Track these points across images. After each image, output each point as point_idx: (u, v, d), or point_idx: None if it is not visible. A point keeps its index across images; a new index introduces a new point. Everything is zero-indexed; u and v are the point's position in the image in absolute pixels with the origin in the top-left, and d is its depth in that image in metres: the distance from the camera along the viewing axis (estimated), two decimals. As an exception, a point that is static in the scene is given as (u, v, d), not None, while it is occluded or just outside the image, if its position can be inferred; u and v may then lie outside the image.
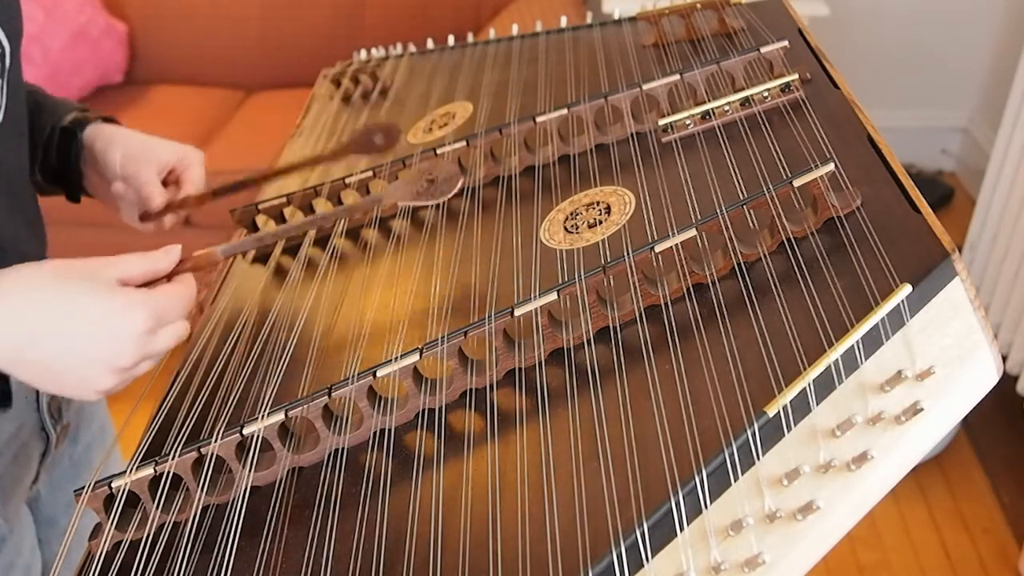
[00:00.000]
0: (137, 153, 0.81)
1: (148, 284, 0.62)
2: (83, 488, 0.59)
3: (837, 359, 0.52)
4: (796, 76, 0.78)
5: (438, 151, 0.84)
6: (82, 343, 0.57)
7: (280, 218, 0.86)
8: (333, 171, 0.94)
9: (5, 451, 0.74)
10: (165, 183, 0.82)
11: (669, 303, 0.61)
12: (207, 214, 2.09)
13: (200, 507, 0.59)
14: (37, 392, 0.76)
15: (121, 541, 0.59)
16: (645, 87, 0.80)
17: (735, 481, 0.50)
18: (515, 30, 1.11)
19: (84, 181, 0.86)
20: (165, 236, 0.80)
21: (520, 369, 0.61)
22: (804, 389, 0.51)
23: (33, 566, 0.78)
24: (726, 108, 0.78)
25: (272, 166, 0.86)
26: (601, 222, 0.72)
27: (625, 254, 0.61)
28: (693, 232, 0.61)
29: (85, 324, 0.57)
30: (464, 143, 0.83)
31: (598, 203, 0.74)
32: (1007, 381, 1.91)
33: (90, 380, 0.59)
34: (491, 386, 0.61)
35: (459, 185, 0.63)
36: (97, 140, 0.83)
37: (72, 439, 0.86)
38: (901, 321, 0.54)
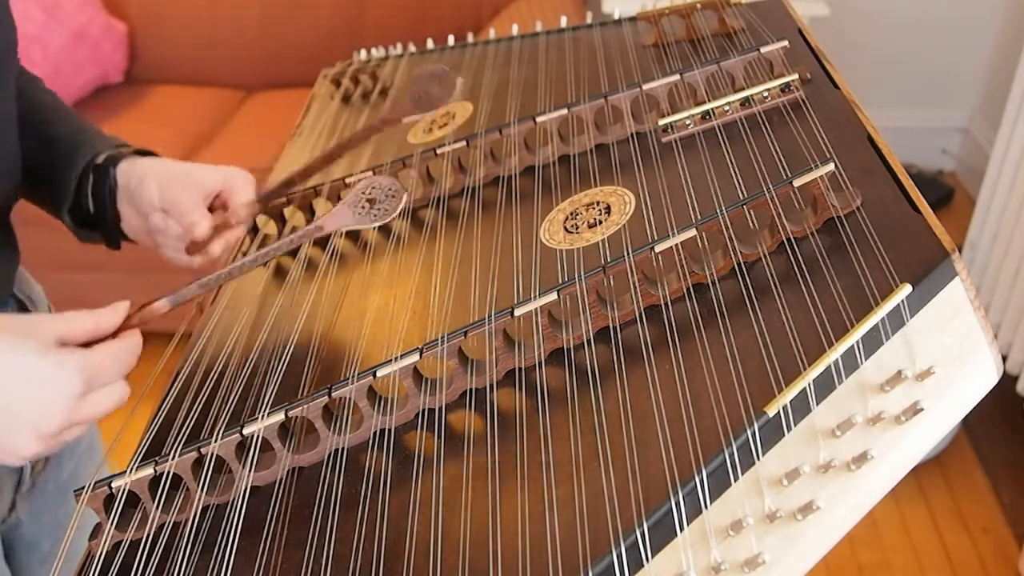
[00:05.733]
0: (176, 180, 0.75)
1: (91, 343, 0.57)
2: (83, 488, 0.59)
3: (837, 359, 0.52)
4: (796, 76, 0.78)
5: (438, 151, 0.84)
6: (5, 405, 0.53)
7: (280, 218, 0.86)
8: (333, 171, 0.94)
9: None
10: (211, 210, 0.76)
11: (669, 303, 0.61)
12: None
13: (200, 507, 0.59)
14: None
15: (121, 541, 0.59)
16: (645, 87, 0.80)
17: (735, 481, 0.50)
18: (515, 30, 1.11)
19: (122, 223, 0.79)
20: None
21: (520, 369, 0.61)
22: (804, 389, 0.51)
23: None
24: (726, 108, 0.78)
25: (318, 154, 0.80)
26: (601, 222, 0.72)
27: (625, 254, 0.61)
28: (693, 232, 0.61)
29: (9, 386, 0.53)
30: (464, 143, 0.83)
31: (598, 203, 0.74)
32: (1007, 381, 1.91)
33: (12, 446, 0.54)
34: (491, 386, 0.61)
35: (403, 202, 0.59)
36: (132, 175, 0.77)
37: (55, 465, 0.84)
38: (901, 321, 0.54)
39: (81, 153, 0.78)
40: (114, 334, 0.58)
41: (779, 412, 0.51)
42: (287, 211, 0.86)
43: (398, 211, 0.59)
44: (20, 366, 0.53)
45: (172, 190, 0.74)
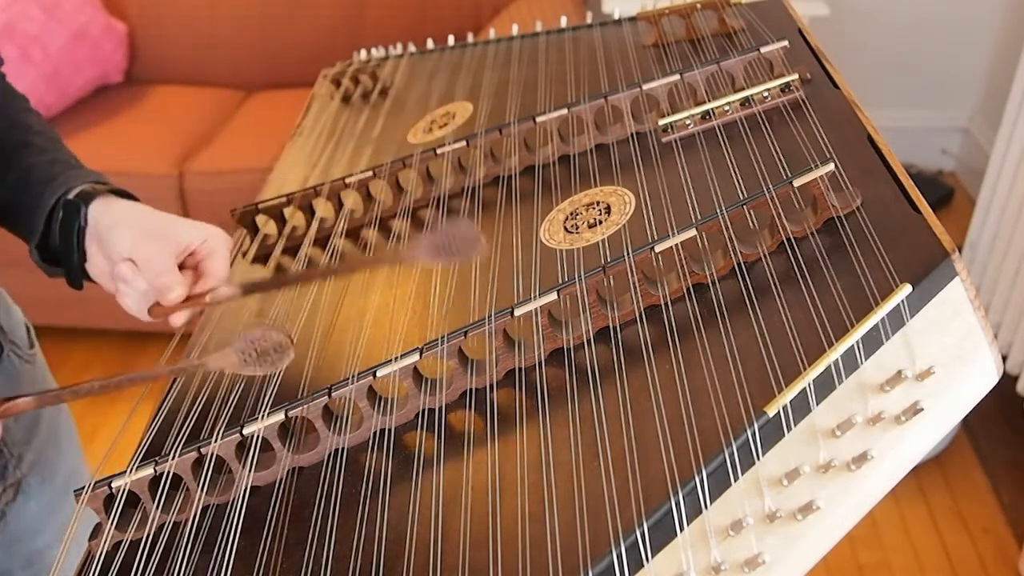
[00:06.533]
0: (152, 233, 0.70)
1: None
2: (83, 488, 0.59)
3: (837, 359, 0.52)
4: (796, 76, 0.78)
5: (438, 151, 0.84)
6: None
7: (280, 218, 0.86)
8: (333, 171, 0.94)
9: None
10: (181, 267, 0.71)
11: (669, 303, 0.61)
12: (207, 214, 2.10)
13: (200, 507, 0.59)
14: None
15: (121, 541, 0.59)
16: (645, 87, 0.80)
17: (735, 481, 0.50)
18: (515, 30, 1.11)
19: (87, 263, 0.74)
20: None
21: (520, 369, 0.61)
22: (804, 389, 0.51)
23: None
24: (726, 108, 0.78)
25: (319, 269, 0.77)
26: (601, 222, 0.72)
27: (625, 254, 0.61)
28: (693, 232, 0.61)
29: None
30: (464, 143, 0.83)
31: (598, 203, 0.74)
32: (1007, 381, 1.91)
33: None
34: (491, 386, 0.61)
35: (289, 357, 0.58)
36: (105, 216, 0.72)
37: (28, 496, 0.83)
38: (901, 321, 0.54)
39: (53, 187, 0.74)
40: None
41: (779, 412, 0.51)
42: (287, 211, 0.86)
43: (285, 363, 0.58)
44: None
45: (147, 246, 0.69)
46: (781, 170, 0.68)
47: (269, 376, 0.67)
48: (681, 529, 0.48)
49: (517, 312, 0.60)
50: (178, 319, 0.71)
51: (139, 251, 0.69)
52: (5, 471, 0.78)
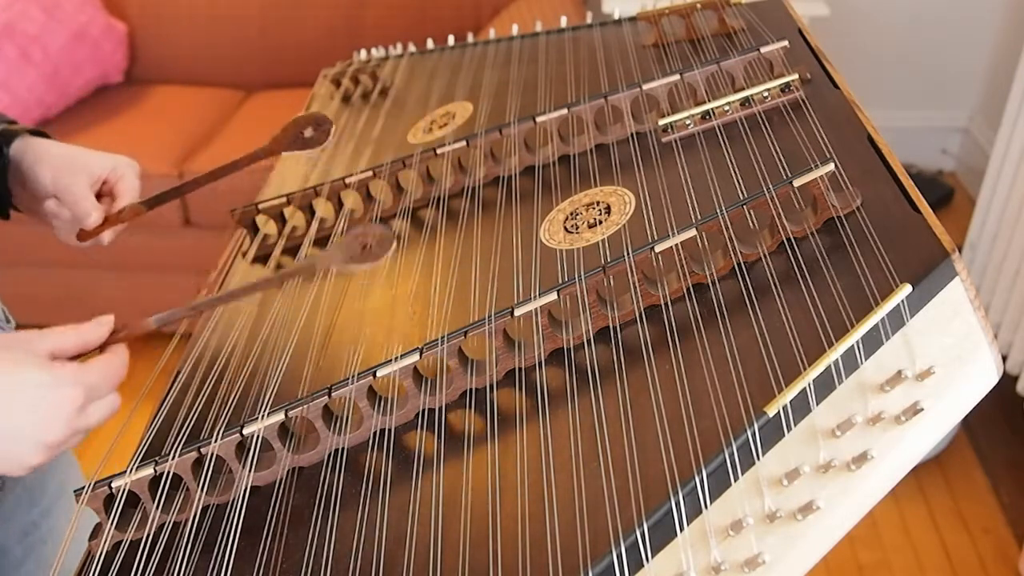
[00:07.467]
0: (67, 167, 0.78)
1: (79, 356, 0.59)
2: (83, 488, 0.59)
3: (837, 359, 0.52)
4: (796, 76, 0.78)
5: (438, 151, 0.84)
6: (17, 420, 0.55)
7: (280, 218, 0.86)
8: (333, 171, 0.94)
9: None
10: (99, 196, 0.79)
11: (669, 303, 0.61)
12: (207, 214, 2.10)
13: (200, 507, 0.59)
14: None
15: (121, 541, 0.59)
16: (645, 87, 0.80)
17: (735, 481, 0.50)
18: (515, 30, 1.11)
19: (13, 198, 0.82)
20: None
21: (520, 369, 0.61)
22: (804, 389, 0.51)
23: None
24: (726, 108, 0.78)
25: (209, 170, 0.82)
26: (601, 222, 0.72)
27: (625, 254, 0.61)
28: (693, 232, 0.61)
29: (21, 402, 0.55)
30: (464, 143, 0.83)
31: (598, 203, 0.74)
32: (1007, 381, 1.91)
33: (19, 456, 0.56)
34: (491, 386, 0.61)
35: (392, 248, 0.61)
36: (25, 155, 0.79)
37: None
38: (901, 321, 0.54)
39: None
40: (100, 348, 0.60)
41: (779, 412, 0.51)
42: (287, 211, 0.86)
43: (388, 254, 0.60)
44: (23, 381, 0.55)
45: (64, 178, 0.77)
46: (781, 170, 0.68)
47: (269, 376, 0.67)
48: (681, 529, 0.48)
49: (517, 312, 0.60)
50: (104, 238, 0.79)
51: (58, 185, 0.77)
52: None
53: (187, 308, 0.64)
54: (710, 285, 0.61)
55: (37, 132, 0.82)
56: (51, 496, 0.88)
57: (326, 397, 0.59)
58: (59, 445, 0.57)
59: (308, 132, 0.75)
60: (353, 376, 0.59)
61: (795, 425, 0.51)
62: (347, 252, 0.60)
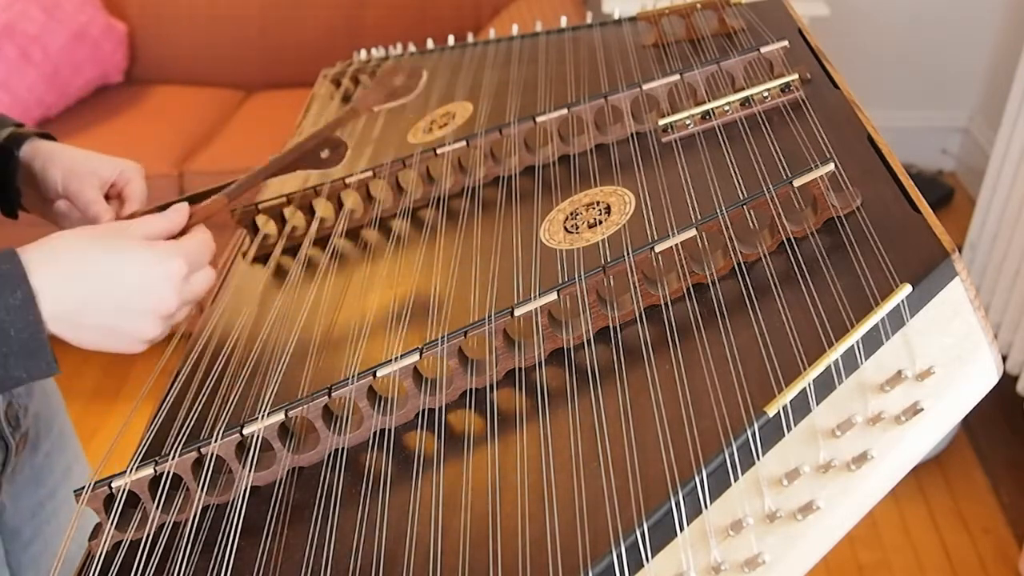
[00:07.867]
0: (77, 171, 0.80)
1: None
2: (83, 488, 0.59)
3: (837, 359, 0.52)
4: (796, 76, 0.78)
5: (438, 151, 0.84)
6: (133, 295, 0.61)
7: (280, 218, 0.86)
8: (332, 171, 0.93)
9: None
10: (107, 198, 0.81)
11: (669, 303, 0.61)
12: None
13: (200, 507, 0.59)
14: None
15: (121, 541, 0.59)
16: (645, 87, 0.80)
17: (735, 481, 0.50)
18: (515, 30, 1.11)
19: (22, 199, 0.84)
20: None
21: (520, 369, 0.61)
22: (804, 389, 0.51)
23: None
24: (726, 108, 0.78)
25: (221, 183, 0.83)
26: (601, 222, 0.72)
27: (625, 254, 0.61)
28: (693, 232, 0.61)
29: (133, 278, 0.61)
30: (464, 143, 0.83)
31: (598, 203, 0.74)
32: (1007, 381, 1.91)
33: (142, 331, 0.62)
34: (491, 386, 0.61)
35: (424, 77, 0.63)
36: (36, 158, 0.81)
37: (32, 447, 0.85)
38: (901, 321, 0.54)
39: None
40: (181, 232, 0.67)
41: (779, 412, 0.51)
42: (287, 211, 0.86)
43: (422, 83, 0.63)
44: (131, 259, 0.61)
45: (75, 181, 0.79)
46: (781, 170, 0.68)
47: (269, 376, 0.67)
48: (681, 529, 0.48)
49: (517, 312, 0.60)
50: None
51: (69, 188, 0.79)
52: (18, 420, 0.80)
53: (251, 176, 0.69)
54: (710, 285, 0.61)
55: (44, 135, 0.83)
56: (57, 478, 0.89)
57: (326, 397, 0.59)
58: (172, 315, 0.63)
59: (324, 154, 0.77)
60: (353, 376, 0.59)
61: (795, 425, 0.51)
62: (384, 90, 0.62)
